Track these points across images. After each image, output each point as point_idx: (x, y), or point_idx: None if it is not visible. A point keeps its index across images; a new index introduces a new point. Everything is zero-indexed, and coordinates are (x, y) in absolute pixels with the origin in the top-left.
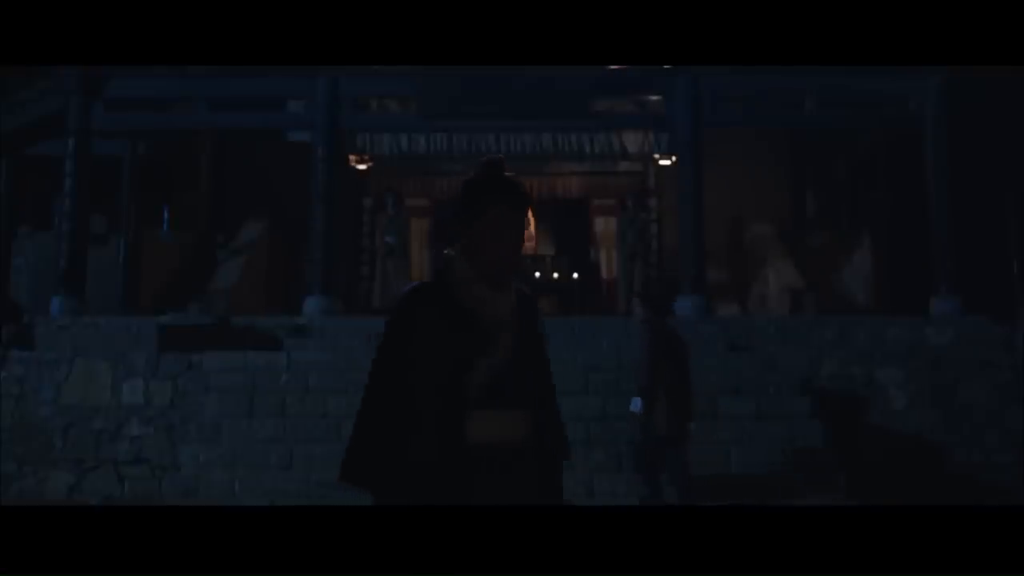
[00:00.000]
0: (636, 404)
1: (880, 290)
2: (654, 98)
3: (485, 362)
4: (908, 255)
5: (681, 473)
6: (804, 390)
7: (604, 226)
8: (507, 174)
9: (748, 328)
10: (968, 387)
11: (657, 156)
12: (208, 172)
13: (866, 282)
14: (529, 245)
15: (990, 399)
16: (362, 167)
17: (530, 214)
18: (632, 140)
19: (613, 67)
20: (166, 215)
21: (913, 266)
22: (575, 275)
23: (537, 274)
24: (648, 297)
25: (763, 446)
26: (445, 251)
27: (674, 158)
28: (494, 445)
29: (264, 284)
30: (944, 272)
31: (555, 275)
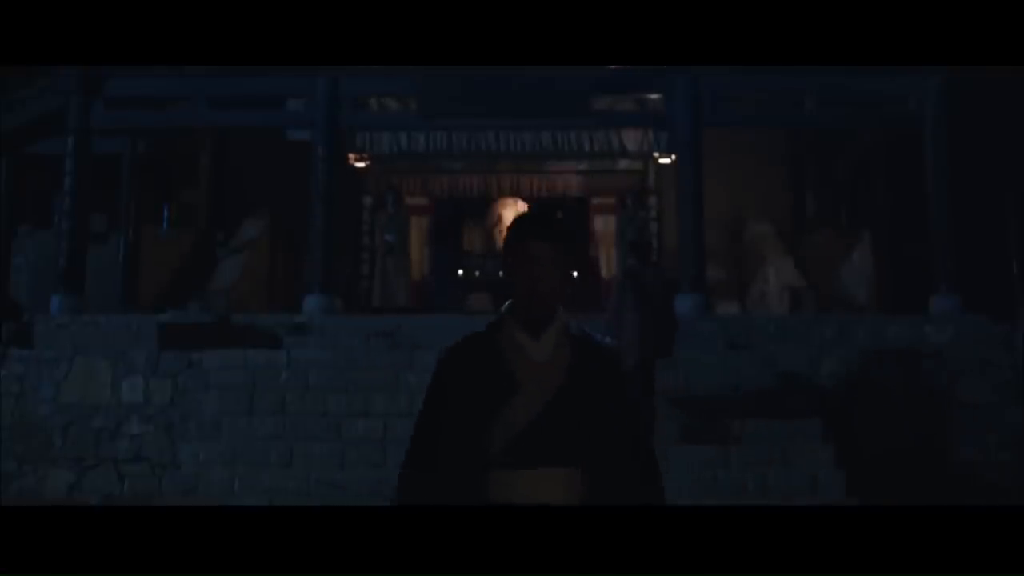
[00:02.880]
0: (607, 339)
1: (880, 289)
2: (654, 96)
3: (508, 415)
4: (908, 254)
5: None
6: (803, 388)
7: (604, 225)
8: (550, 212)
9: (748, 326)
10: (968, 386)
11: (657, 155)
12: (208, 170)
13: (866, 281)
14: None
15: (990, 398)
16: (361, 165)
17: (565, 250)
18: (632, 138)
19: (613, 66)
20: (166, 213)
21: (913, 265)
22: (574, 274)
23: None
24: (635, 247)
25: (762, 445)
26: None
27: (674, 156)
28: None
29: (264, 282)
30: (944, 271)
31: (548, 209)
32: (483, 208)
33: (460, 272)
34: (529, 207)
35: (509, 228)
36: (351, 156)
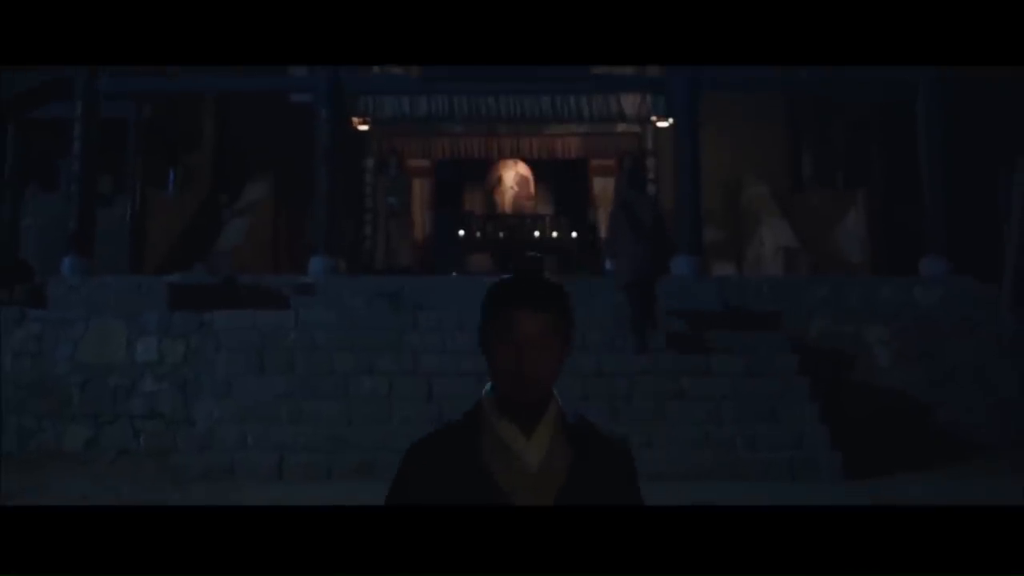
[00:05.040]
0: (608, 263)
1: (873, 250)
2: None
3: None
4: (900, 215)
5: (637, 312)
6: (794, 348)
7: (603, 186)
8: (538, 274)
9: (743, 288)
10: (953, 346)
11: (655, 119)
12: (211, 133)
13: (859, 242)
14: (528, 204)
15: (974, 357)
16: (364, 128)
17: (558, 319)
18: (630, 103)
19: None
20: (172, 176)
21: (906, 227)
22: (574, 234)
23: (536, 233)
24: (631, 176)
25: (751, 402)
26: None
27: (671, 120)
28: None
29: (268, 244)
30: (934, 233)
31: (554, 234)
32: (484, 170)
33: (461, 233)
34: (515, 266)
35: (488, 293)
36: (354, 120)
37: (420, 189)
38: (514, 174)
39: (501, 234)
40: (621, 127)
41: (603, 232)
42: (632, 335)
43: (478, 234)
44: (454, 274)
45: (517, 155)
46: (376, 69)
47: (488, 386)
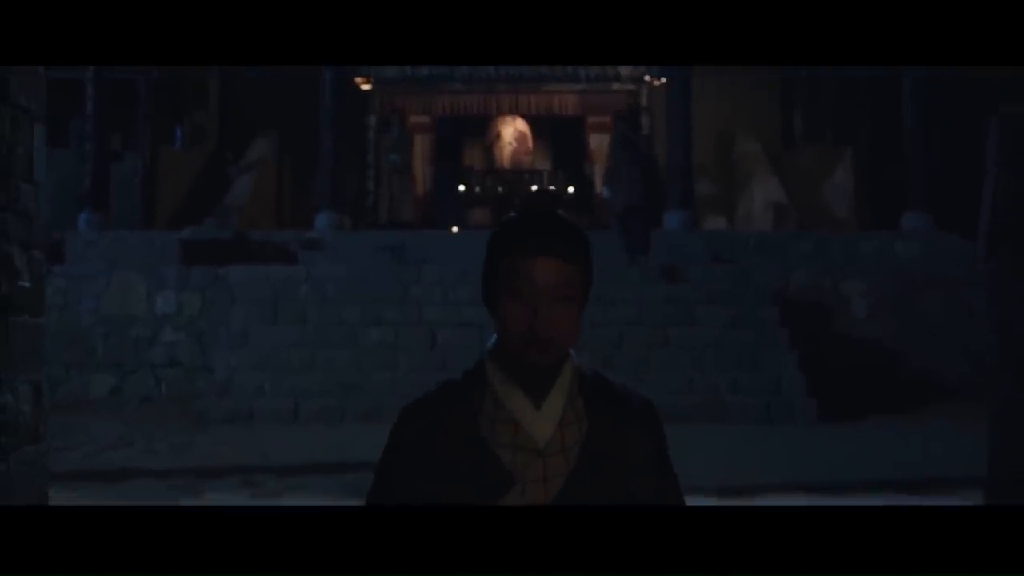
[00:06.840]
0: (606, 191)
1: (860, 206)
2: None
3: None
4: (888, 172)
5: (631, 237)
6: (775, 300)
7: (599, 142)
8: (549, 211)
9: (731, 242)
10: (929, 297)
11: (649, 78)
12: (217, 92)
13: (846, 197)
14: (526, 159)
15: (949, 309)
16: (367, 87)
17: (578, 269)
18: None
19: None
20: (179, 134)
21: (892, 183)
22: (571, 189)
23: (534, 187)
24: (625, 118)
25: (734, 351)
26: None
27: (664, 79)
28: None
29: (273, 200)
30: (917, 189)
31: (551, 188)
32: (483, 126)
33: (461, 188)
34: (525, 203)
35: (494, 236)
36: (356, 79)
37: (421, 145)
38: (513, 130)
39: (500, 189)
40: (616, 85)
41: (597, 186)
42: (625, 255)
43: (477, 189)
44: (454, 228)
45: (516, 111)
46: None
47: (492, 340)
